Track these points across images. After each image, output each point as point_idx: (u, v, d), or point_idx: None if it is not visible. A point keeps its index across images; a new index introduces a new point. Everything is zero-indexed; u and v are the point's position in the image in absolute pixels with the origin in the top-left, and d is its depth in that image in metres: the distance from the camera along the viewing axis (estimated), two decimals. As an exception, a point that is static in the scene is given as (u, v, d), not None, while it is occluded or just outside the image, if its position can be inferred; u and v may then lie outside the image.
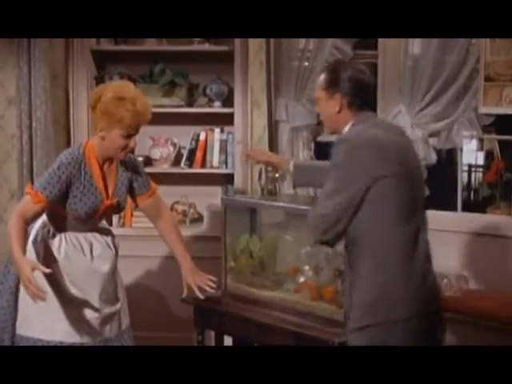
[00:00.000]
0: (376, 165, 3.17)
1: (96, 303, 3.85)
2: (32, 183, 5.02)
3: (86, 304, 3.82)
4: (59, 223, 3.84)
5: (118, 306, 3.97)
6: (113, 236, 4.03)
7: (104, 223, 4.07)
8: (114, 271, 3.96)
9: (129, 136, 3.68)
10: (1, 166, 5.26)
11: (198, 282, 3.89)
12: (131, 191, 3.95)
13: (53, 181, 3.67)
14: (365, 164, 3.16)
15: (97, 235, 3.93)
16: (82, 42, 5.41)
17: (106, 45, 5.60)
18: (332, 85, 3.31)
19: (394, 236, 3.20)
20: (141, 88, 4.61)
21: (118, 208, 3.94)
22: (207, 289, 3.87)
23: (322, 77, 3.36)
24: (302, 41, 5.35)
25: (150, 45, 5.56)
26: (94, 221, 3.89)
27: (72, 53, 5.41)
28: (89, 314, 3.84)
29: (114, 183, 3.86)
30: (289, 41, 5.32)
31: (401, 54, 5.17)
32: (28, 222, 3.70)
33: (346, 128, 3.31)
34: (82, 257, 3.86)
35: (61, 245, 3.84)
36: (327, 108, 3.35)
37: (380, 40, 5.27)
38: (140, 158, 4.79)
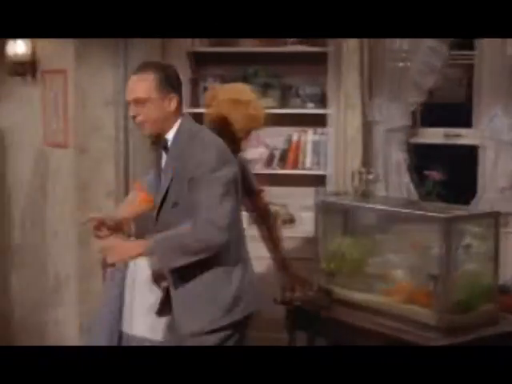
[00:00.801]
0: (234, 162, 3.28)
1: None
2: (127, 183, 5.10)
3: None
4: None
5: None
6: None
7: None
8: None
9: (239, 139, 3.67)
10: (98, 166, 5.34)
11: (299, 285, 3.85)
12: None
13: None
14: (231, 162, 3.23)
15: None
16: (177, 44, 5.48)
17: (201, 46, 5.66)
18: (166, 84, 3.22)
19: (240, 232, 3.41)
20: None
21: None
22: (309, 293, 3.83)
23: (151, 76, 3.21)
24: (397, 41, 5.31)
25: (244, 46, 5.58)
26: None
27: (168, 54, 5.47)
28: None
29: None
30: (384, 41, 5.28)
31: (498, 55, 5.07)
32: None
33: (174, 129, 3.27)
34: None
35: None
36: (158, 108, 3.23)
37: (477, 40, 5.18)
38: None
